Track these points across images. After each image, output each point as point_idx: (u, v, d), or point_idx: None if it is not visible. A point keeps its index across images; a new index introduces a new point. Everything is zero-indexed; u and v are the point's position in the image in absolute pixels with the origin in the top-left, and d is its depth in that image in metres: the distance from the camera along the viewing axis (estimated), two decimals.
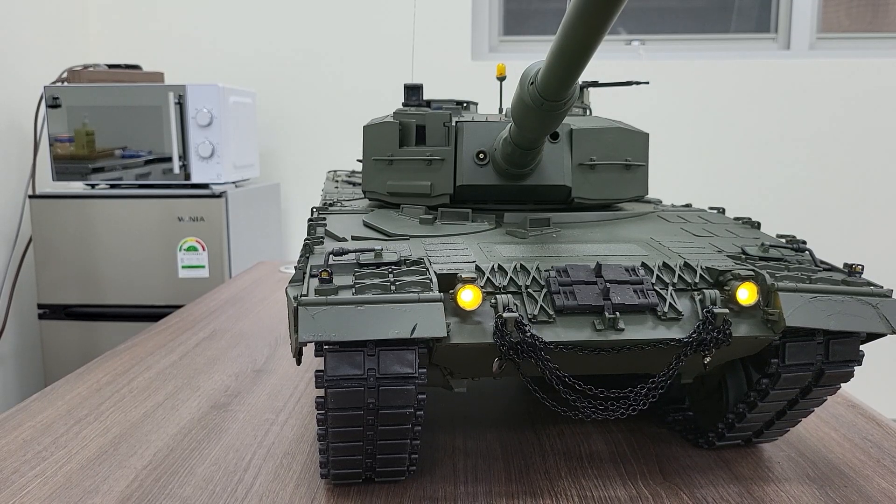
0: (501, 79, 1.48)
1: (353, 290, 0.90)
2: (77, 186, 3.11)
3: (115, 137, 3.01)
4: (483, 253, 1.07)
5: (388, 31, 3.61)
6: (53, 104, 2.97)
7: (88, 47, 3.74)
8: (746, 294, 0.97)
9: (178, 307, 2.30)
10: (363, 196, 1.52)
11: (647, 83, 1.63)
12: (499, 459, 1.20)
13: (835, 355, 1.04)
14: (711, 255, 1.09)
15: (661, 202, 1.60)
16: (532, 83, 0.93)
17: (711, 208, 1.50)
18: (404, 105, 1.48)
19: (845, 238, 3.51)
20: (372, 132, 1.40)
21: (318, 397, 0.95)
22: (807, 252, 1.11)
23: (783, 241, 1.16)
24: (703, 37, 3.58)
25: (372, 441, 1.00)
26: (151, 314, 2.77)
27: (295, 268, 1.06)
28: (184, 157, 3.00)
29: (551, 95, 0.92)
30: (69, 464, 1.19)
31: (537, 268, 1.00)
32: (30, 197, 2.98)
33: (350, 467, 1.05)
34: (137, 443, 1.27)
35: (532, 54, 3.64)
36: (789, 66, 3.39)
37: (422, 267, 0.97)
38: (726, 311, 0.96)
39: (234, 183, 3.16)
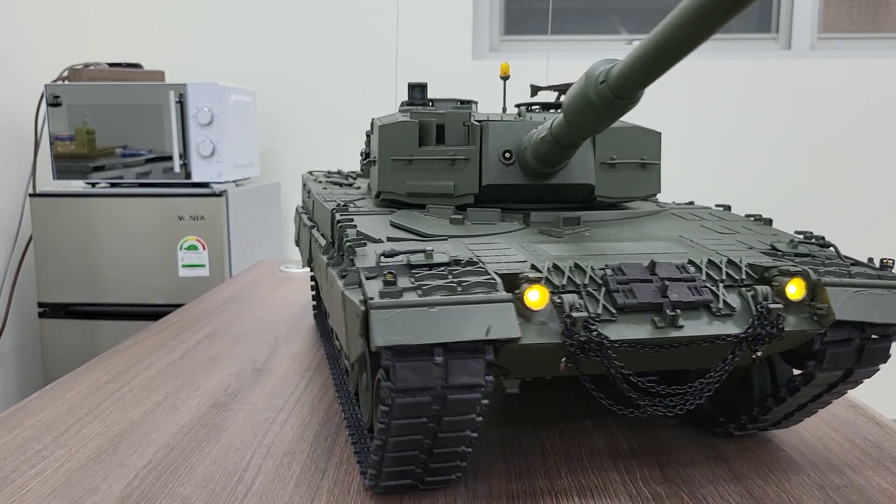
0: (505, 78, 1.48)
1: (419, 291, 0.87)
2: (77, 185, 3.11)
3: (115, 136, 3.01)
4: (529, 253, 1.06)
5: (389, 31, 3.61)
6: (54, 103, 2.97)
7: (89, 46, 3.74)
8: (795, 289, 0.99)
9: (179, 306, 2.30)
10: (366, 197, 1.52)
11: None
12: (499, 459, 1.20)
13: (867, 356, 1.06)
14: (746, 251, 1.11)
15: (657, 200, 1.61)
16: (602, 82, 0.93)
17: (718, 205, 1.51)
18: (408, 104, 1.48)
19: (845, 238, 3.51)
20: (389, 132, 1.35)
21: (381, 406, 0.90)
22: (831, 248, 1.13)
23: (801, 237, 1.19)
24: None
25: (428, 449, 0.97)
26: (152, 313, 2.77)
27: (315, 266, 1.04)
28: (184, 155, 3.00)
29: (625, 94, 0.92)
30: (69, 462, 1.19)
31: (591, 266, 1.00)
32: (30, 195, 2.98)
33: (400, 478, 1.03)
34: (137, 442, 1.27)
35: (533, 54, 3.64)
36: (790, 66, 3.38)
37: (479, 267, 0.94)
38: (780, 305, 0.98)
39: (234, 182, 3.16)
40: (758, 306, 0.98)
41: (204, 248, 2.93)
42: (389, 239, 1.10)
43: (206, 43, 3.72)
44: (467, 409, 0.90)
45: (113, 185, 3.05)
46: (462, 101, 1.54)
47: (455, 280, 0.89)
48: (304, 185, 1.98)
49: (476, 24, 3.63)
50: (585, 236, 1.17)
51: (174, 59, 3.64)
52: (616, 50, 3.62)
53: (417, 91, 1.50)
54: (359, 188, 1.76)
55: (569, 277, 0.97)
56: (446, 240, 1.10)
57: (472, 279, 0.89)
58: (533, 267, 0.98)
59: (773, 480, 1.12)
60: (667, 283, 0.97)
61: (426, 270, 0.93)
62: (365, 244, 1.04)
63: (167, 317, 2.14)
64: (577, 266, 1.00)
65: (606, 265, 1.00)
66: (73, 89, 2.99)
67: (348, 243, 1.03)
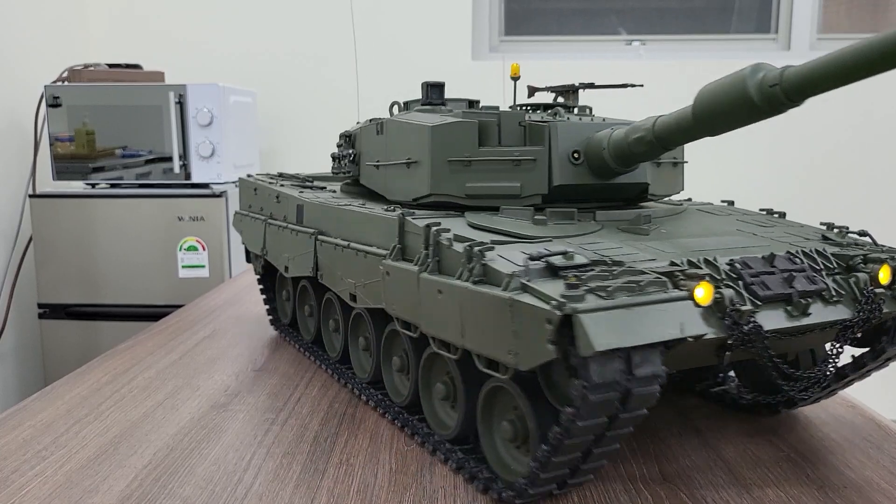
0: (515, 79, 1.48)
1: (603, 294, 0.85)
2: (77, 186, 3.11)
3: (115, 137, 3.01)
4: (642, 251, 1.07)
5: (389, 31, 3.61)
6: (54, 103, 2.97)
7: (89, 47, 3.74)
8: (884, 275, 1.10)
9: (179, 307, 2.31)
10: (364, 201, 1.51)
11: (642, 86, 1.65)
12: None
13: None
14: (810, 243, 1.19)
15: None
16: (774, 85, 0.97)
17: (723, 201, 1.56)
18: (426, 103, 1.48)
19: None
20: (443, 132, 1.29)
21: (567, 409, 0.89)
22: (867, 237, 1.25)
23: (835, 228, 1.29)
24: (704, 37, 3.58)
25: (588, 449, 0.97)
26: (151, 314, 2.77)
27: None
28: (184, 156, 3.00)
29: (798, 98, 0.96)
30: (69, 463, 1.19)
31: (715, 259, 1.04)
32: (30, 196, 2.99)
33: (550, 483, 1.02)
34: (137, 442, 1.27)
35: (532, 54, 3.64)
36: None
37: (629, 268, 0.93)
38: (884, 290, 1.07)
39: (234, 182, 3.16)
40: (864, 291, 1.07)
41: (204, 249, 2.93)
42: (495, 243, 1.06)
43: (205, 43, 3.72)
44: (646, 401, 0.91)
45: (113, 185, 3.05)
46: (469, 102, 1.55)
47: (632, 281, 0.88)
48: (254, 189, 1.93)
49: (476, 24, 3.63)
50: (663, 233, 1.20)
51: (174, 59, 3.64)
52: (616, 50, 3.62)
53: (435, 91, 1.49)
54: (334, 191, 1.74)
55: (708, 273, 1.00)
56: (550, 241, 1.09)
57: (641, 279, 0.89)
58: (672, 263, 1.01)
59: (773, 481, 1.12)
60: (793, 273, 1.04)
61: (573, 272, 0.91)
62: (493, 248, 1.02)
63: (167, 318, 2.14)
64: (705, 261, 1.04)
65: (731, 259, 1.05)
66: (72, 90, 2.99)
67: (474, 247, 1.00)
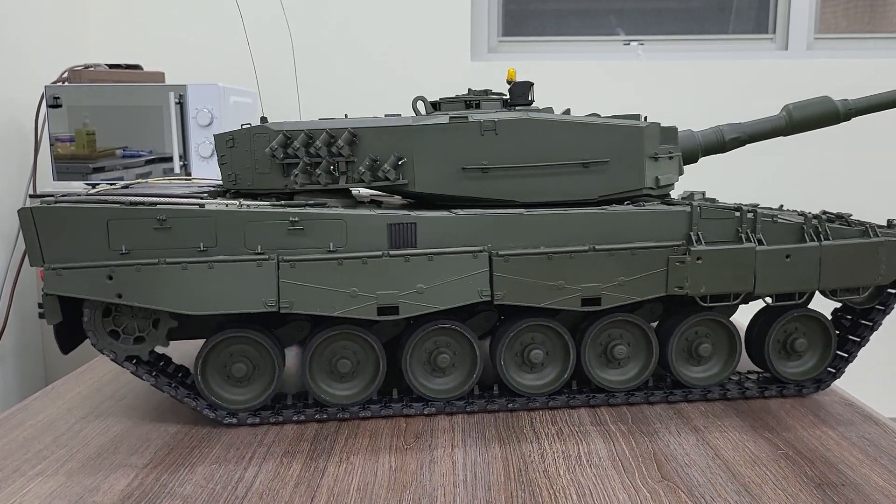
0: (511, 83, 1.47)
1: None
2: (78, 186, 3.11)
3: (115, 137, 3.01)
4: None
5: (389, 32, 3.62)
6: (54, 104, 2.97)
7: (89, 47, 3.74)
8: None
9: None
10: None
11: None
12: (498, 459, 1.20)
13: None
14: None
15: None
16: (850, 109, 1.68)
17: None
18: (512, 104, 1.45)
19: None
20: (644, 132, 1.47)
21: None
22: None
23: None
24: (702, 38, 3.58)
25: None
26: None
27: None
28: (184, 156, 3.00)
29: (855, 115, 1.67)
30: (70, 462, 1.19)
31: None
32: (31, 196, 2.99)
33: None
34: (138, 441, 1.27)
35: (532, 55, 3.65)
36: (787, 66, 3.39)
37: None
38: None
39: None
40: None
41: None
42: None
43: (205, 44, 3.73)
44: None
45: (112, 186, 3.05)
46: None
47: None
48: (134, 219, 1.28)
49: (474, 24, 3.64)
50: None
51: (174, 59, 3.65)
52: (614, 51, 3.63)
53: (520, 87, 1.46)
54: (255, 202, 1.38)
55: None
56: None
57: None
58: None
59: (771, 479, 1.13)
60: None
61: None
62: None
63: None
64: None
65: None
66: (73, 90, 3.00)
67: (811, 220, 1.44)
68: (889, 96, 1.70)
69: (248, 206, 1.32)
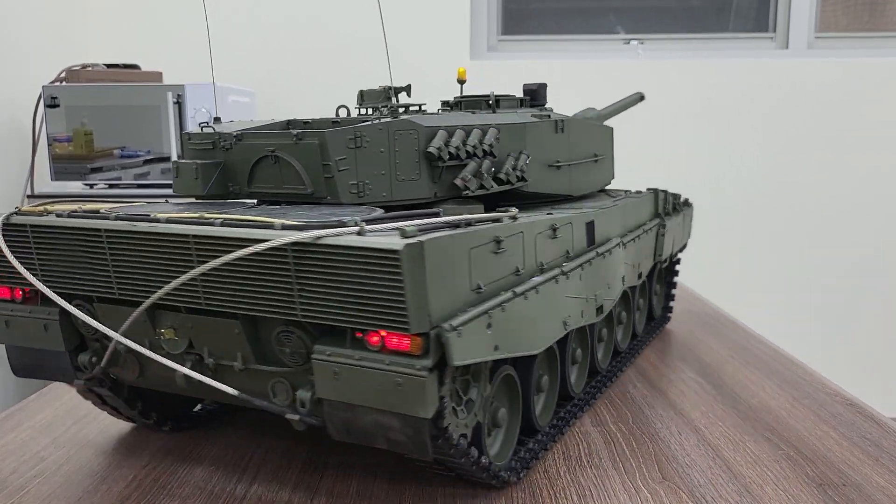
0: (462, 82, 1.48)
1: None
2: (76, 186, 3.11)
3: (113, 137, 3.00)
4: None
5: (387, 31, 3.61)
6: (52, 104, 2.97)
7: (87, 47, 3.74)
8: None
9: None
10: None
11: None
12: None
13: None
14: None
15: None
16: None
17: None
18: (534, 104, 1.49)
19: (842, 237, 3.51)
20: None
21: None
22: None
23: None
24: (702, 36, 3.58)
25: None
26: None
27: None
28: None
29: None
30: (68, 464, 1.19)
31: None
32: (28, 197, 2.98)
33: None
34: (136, 442, 1.27)
35: (531, 54, 3.64)
36: (787, 65, 3.39)
37: None
38: None
39: None
40: None
41: None
42: None
43: (204, 43, 3.72)
44: None
45: (111, 186, 3.05)
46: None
47: None
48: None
49: (474, 23, 3.63)
50: None
51: (172, 59, 3.64)
52: (614, 49, 3.62)
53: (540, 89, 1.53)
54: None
55: None
56: None
57: None
58: None
59: (772, 479, 1.12)
60: None
61: None
62: None
63: None
64: None
65: None
66: (70, 90, 2.99)
67: None
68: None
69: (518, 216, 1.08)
